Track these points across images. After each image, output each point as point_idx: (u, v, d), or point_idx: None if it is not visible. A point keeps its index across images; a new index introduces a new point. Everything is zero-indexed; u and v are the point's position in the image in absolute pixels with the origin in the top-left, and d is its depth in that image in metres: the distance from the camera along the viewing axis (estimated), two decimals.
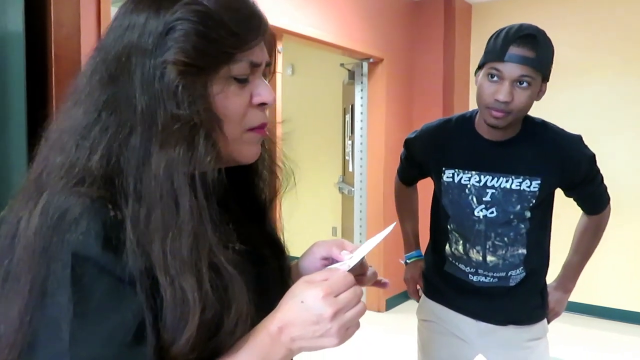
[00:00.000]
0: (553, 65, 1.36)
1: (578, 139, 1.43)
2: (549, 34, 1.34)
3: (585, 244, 1.60)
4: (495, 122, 1.33)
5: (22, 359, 0.55)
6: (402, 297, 4.31)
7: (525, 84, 1.29)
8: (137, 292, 0.57)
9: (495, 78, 1.30)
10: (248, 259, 0.68)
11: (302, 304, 0.60)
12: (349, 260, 0.72)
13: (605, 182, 1.53)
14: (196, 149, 0.60)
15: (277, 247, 0.81)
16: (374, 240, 0.74)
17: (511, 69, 1.28)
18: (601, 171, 1.50)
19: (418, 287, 1.72)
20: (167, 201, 0.59)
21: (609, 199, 1.55)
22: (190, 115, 0.60)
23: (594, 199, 1.54)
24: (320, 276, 0.63)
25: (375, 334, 3.71)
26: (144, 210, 0.58)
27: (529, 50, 1.27)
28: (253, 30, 0.65)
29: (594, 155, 1.44)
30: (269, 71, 0.71)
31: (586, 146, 1.43)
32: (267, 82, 0.69)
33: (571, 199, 1.55)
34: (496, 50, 1.30)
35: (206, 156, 0.61)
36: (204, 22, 0.61)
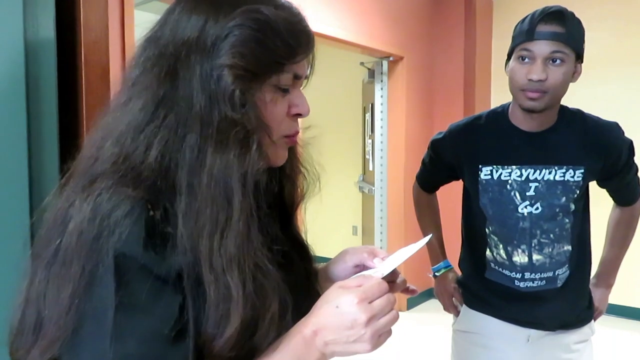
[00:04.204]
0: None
1: (616, 125, 1.40)
2: None
3: (621, 236, 1.56)
4: (532, 105, 1.29)
5: (65, 345, 0.56)
6: (424, 296, 4.28)
7: (558, 61, 1.26)
8: (179, 289, 0.58)
9: (526, 60, 1.28)
10: (279, 261, 0.68)
11: (337, 309, 0.60)
12: (382, 268, 0.73)
13: None
14: (250, 153, 0.62)
15: (303, 251, 0.82)
16: (408, 251, 0.74)
17: (542, 46, 1.25)
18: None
19: (454, 299, 1.60)
20: (220, 200, 0.60)
21: None
22: (243, 119, 0.62)
23: (629, 189, 1.50)
24: (355, 282, 0.64)
25: (397, 333, 3.70)
26: (195, 206, 0.60)
27: (558, 25, 1.25)
28: (303, 45, 0.67)
29: (632, 142, 1.41)
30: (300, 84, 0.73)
31: (624, 132, 1.40)
32: (304, 95, 0.71)
33: (597, 195, 1.51)
34: (524, 31, 1.28)
35: (259, 160, 0.63)
36: (262, 30, 0.63)
